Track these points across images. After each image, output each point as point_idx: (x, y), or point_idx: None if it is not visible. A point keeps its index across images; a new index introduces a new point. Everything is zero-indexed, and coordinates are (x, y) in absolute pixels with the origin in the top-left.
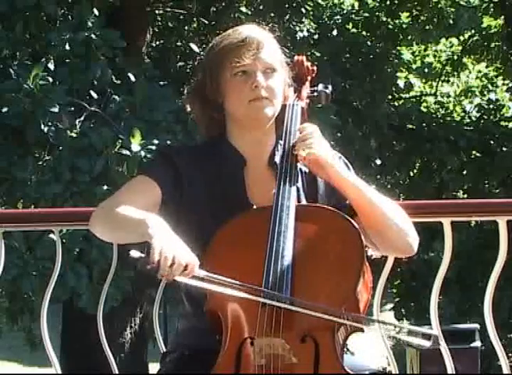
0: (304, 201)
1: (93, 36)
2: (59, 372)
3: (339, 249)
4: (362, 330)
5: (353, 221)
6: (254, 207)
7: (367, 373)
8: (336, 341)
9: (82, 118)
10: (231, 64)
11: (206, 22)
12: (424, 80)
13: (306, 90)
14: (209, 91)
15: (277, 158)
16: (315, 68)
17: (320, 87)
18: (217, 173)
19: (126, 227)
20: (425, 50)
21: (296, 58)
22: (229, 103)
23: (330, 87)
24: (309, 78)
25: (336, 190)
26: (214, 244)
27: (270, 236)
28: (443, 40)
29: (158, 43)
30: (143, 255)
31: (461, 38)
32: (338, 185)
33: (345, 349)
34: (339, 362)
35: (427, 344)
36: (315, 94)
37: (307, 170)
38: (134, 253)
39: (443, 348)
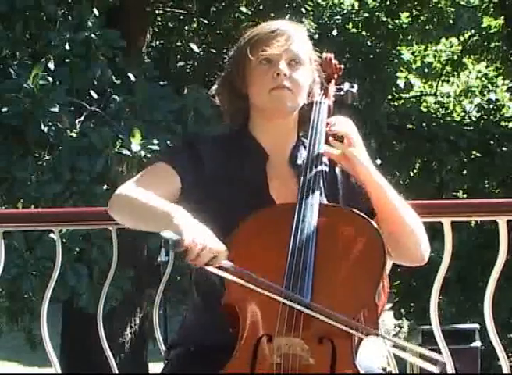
0: (324, 202)
1: (93, 36)
2: (59, 372)
3: (362, 252)
4: (377, 335)
5: (377, 227)
6: (277, 202)
7: (376, 373)
8: (352, 343)
9: (82, 118)
10: (258, 52)
11: (206, 22)
12: (424, 80)
13: (332, 88)
14: (235, 80)
15: (299, 156)
16: (342, 66)
17: (346, 85)
18: (240, 164)
19: (151, 218)
20: (425, 50)
21: (324, 55)
22: (252, 92)
23: (356, 86)
24: (335, 76)
25: (355, 194)
26: (238, 235)
27: (293, 232)
28: (443, 40)
29: (158, 43)
30: (174, 237)
31: (461, 38)
32: (363, 182)
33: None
34: (355, 364)
35: (435, 370)
36: (342, 93)
37: (327, 170)
38: (166, 233)
39: (442, 346)
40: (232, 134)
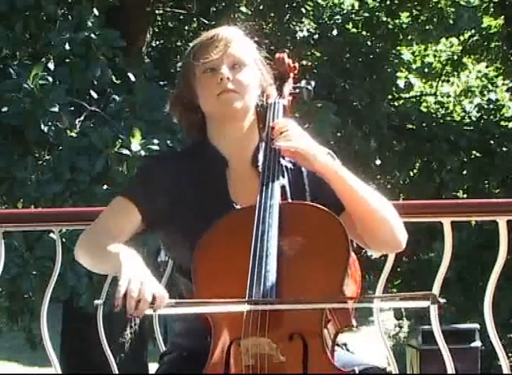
0: (289, 199)
1: (93, 36)
2: (59, 372)
3: (324, 245)
4: (352, 326)
5: (337, 217)
6: (238, 207)
7: (355, 369)
8: (325, 337)
9: (82, 118)
10: (199, 62)
11: (206, 22)
12: (424, 80)
13: (288, 87)
14: (185, 93)
15: (260, 158)
16: (297, 65)
17: (302, 83)
18: (200, 175)
19: (107, 262)
20: (425, 50)
21: (277, 55)
22: (201, 101)
23: (313, 82)
24: (291, 75)
25: (323, 189)
26: (199, 250)
27: (254, 236)
28: (443, 40)
29: (158, 43)
30: (105, 301)
31: (461, 38)
32: (323, 175)
33: (344, 348)
34: (329, 359)
35: (425, 304)
36: (297, 90)
37: (292, 167)
38: (98, 301)
39: (442, 346)
40: (193, 146)
